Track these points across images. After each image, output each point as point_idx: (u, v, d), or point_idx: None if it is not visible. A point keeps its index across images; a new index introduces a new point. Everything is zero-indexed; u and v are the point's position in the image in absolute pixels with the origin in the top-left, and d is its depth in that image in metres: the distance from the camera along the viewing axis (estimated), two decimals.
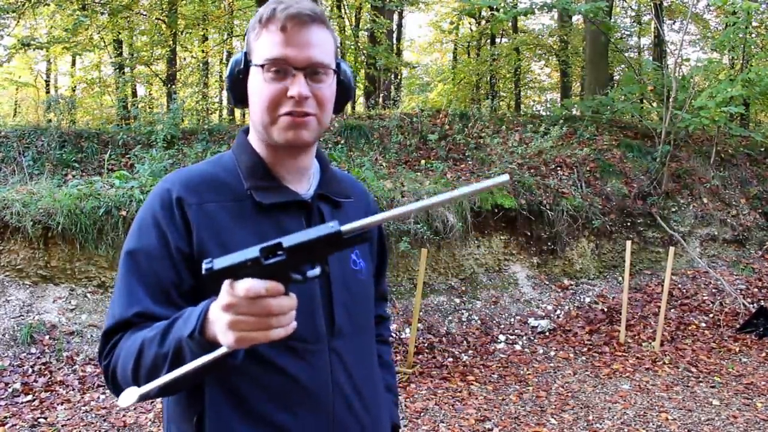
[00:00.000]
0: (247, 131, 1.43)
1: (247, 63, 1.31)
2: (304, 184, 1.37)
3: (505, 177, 1.01)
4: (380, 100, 11.68)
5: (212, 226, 1.26)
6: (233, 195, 1.30)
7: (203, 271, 0.97)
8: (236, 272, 0.96)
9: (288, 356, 1.24)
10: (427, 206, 1.02)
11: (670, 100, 8.94)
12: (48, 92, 18.12)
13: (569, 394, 5.34)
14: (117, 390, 1.19)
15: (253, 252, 0.96)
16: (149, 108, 13.18)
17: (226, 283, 0.97)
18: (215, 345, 1.02)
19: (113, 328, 1.23)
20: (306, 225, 1.31)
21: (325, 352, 1.29)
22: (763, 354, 6.54)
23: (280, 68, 1.25)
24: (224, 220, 1.27)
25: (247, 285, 0.94)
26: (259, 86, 1.27)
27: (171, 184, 1.31)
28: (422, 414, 4.79)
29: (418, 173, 7.66)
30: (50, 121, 9.86)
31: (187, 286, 1.25)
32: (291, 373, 1.25)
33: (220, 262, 0.97)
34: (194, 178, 1.32)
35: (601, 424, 4.79)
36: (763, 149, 10.32)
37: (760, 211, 9.29)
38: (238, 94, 1.33)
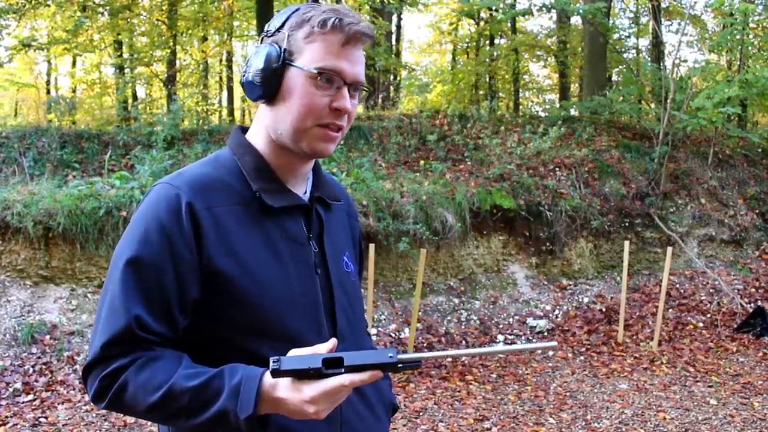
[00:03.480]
0: (243, 129, 1.38)
1: (286, 60, 1.23)
2: (302, 186, 1.36)
3: (553, 343, 1.17)
4: (380, 100, 11.71)
5: (220, 231, 1.21)
6: (239, 198, 1.25)
7: (270, 369, 1.07)
8: (299, 375, 1.08)
9: None
10: (482, 353, 1.21)
11: (668, 100, 8.97)
12: (48, 93, 18.15)
13: (567, 394, 5.37)
14: (115, 405, 1.16)
15: (316, 361, 1.07)
16: (149, 109, 13.22)
17: (311, 385, 1.08)
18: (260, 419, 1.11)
19: (115, 339, 1.15)
20: (305, 227, 1.31)
21: None
22: (760, 354, 6.57)
23: (333, 80, 1.22)
24: (231, 225, 1.22)
25: (336, 386, 1.07)
26: (305, 91, 1.22)
27: (179, 187, 1.22)
28: (421, 413, 4.82)
29: (418, 174, 7.70)
30: (51, 121, 9.89)
31: (190, 300, 1.20)
32: None
33: (288, 364, 1.07)
34: (200, 180, 1.25)
35: (599, 423, 4.82)
36: (760, 150, 10.36)
37: (757, 211, 9.33)
38: (269, 89, 1.24)
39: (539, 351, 6.25)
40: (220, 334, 1.21)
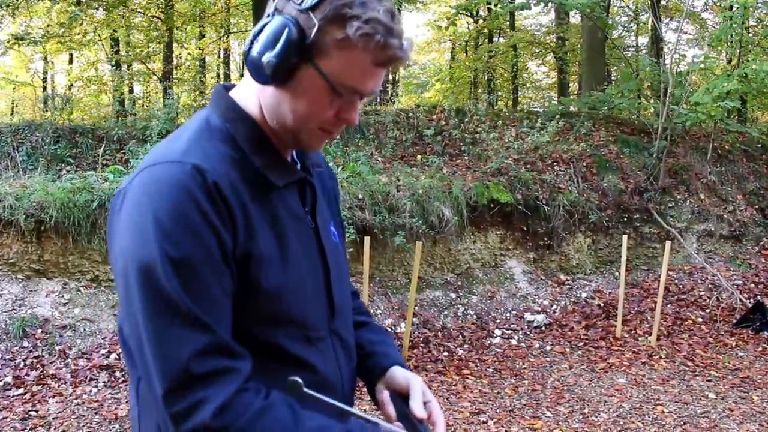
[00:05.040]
0: (228, 88, 1.22)
1: (308, 57, 1.06)
2: (288, 155, 1.26)
3: None
4: (378, 96, 11.65)
5: (245, 214, 1.08)
6: (243, 174, 1.11)
7: None
8: None
9: (305, 347, 1.17)
10: None
11: (667, 95, 8.92)
12: (45, 91, 18.08)
13: (565, 388, 5.31)
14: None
15: None
16: (145, 105, 13.17)
17: None
18: None
19: (196, 366, 0.99)
20: (300, 201, 1.23)
21: (328, 335, 1.24)
22: (760, 348, 6.52)
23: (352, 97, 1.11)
24: (249, 206, 1.09)
25: None
26: (318, 98, 1.09)
27: (197, 165, 1.04)
28: None
29: (414, 168, 7.64)
30: (46, 117, 9.84)
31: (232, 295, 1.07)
32: (311, 363, 1.18)
33: None
34: (211, 155, 1.08)
35: (596, 417, 4.76)
36: (759, 145, 10.31)
37: (756, 207, 9.28)
38: (278, 79, 1.08)
39: (536, 345, 6.21)
40: (238, 326, 1.08)
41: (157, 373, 0.99)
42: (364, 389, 1.43)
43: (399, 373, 1.35)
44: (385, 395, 1.34)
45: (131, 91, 14.45)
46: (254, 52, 1.08)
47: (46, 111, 11.81)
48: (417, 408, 1.25)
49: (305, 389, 1.08)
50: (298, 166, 1.26)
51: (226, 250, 1.03)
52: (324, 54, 1.05)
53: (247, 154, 1.13)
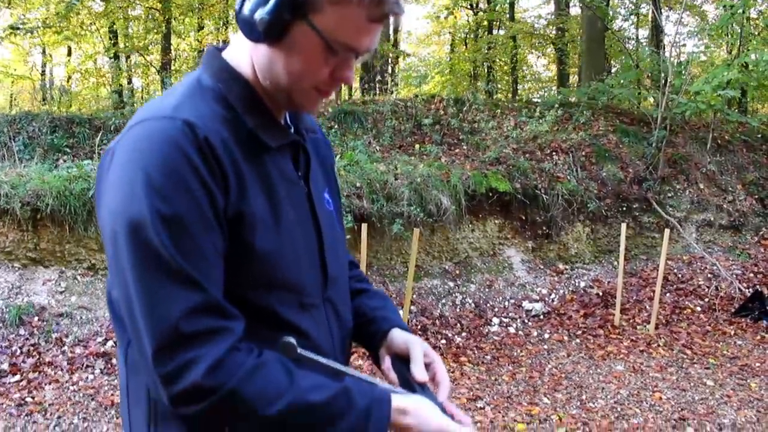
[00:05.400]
0: (220, 49, 1.18)
1: (302, 14, 1.03)
2: (282, 119, 1.23)
3: None
4: (376, 84, 11.63)
5: (237, 172, 1.04)
6: (236, 134, 1.08)
7: None
8: None
9: (298, 313, 1.15)
10: None
11: (667, 85, 8.89)
12: (44, 84, 18.05)
13: (563, 375, 5.30)
14: (196, 401, 0.98)
15: None
16: (144, 96, 13.14)
17: (439, 418, 1.13)
18: None
19: (189, 323, 0.96)
20: (292, 164, 1.19)
21: (321, 303, 1.21)
22: (758, 337, 6.51)
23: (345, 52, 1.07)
24: (241, 166, 1.06)
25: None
26: (313, 56, 1.06)
27: (186, 120, 1.01)
28: None
29: (412, 157, 7.61)
30: (44, 109, 9.82)
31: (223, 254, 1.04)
32: (303, 329, 1.15)
33: None
34: (202, 113, 1.04)
35: (594, 403, 4.75)
36: (759, 136, 10.28)
37: (756, 197, 9.25)
38: (271, 36, 1.04)
39: (534, 333, 6.20)
40: (230, 290, 1.05)
41: (146, 332, 0.96)
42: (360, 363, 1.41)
43: (398, 336, 1.32)
44: (386, 363, 1.31)
45: (130, 83, 14.41)
46: (246, 9, 1.05)
47: (45, 103, 11.79)
48: (417, 371, 1.23)
49: (299, 350, 1.06)
50: (292, 131, 1.23)
51: (217, 207, 1.01)
52: (318, 10, 1.02)
53: (240, 114, 1.10)
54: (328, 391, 1.05)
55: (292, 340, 1.06)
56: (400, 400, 1.12)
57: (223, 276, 1.02)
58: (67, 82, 16.32)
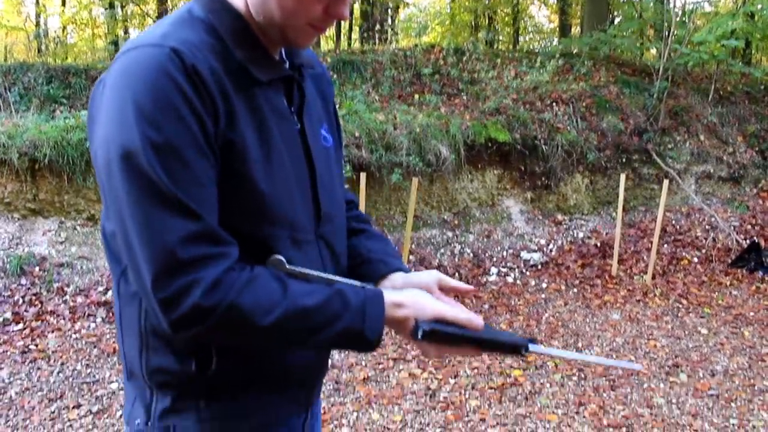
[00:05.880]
0: None
1: None
2: (277, 52, 1.20)
3: (639, 366, 1.32)
4: (375, 34, 11.46)
5: (226, 102, 1.03)
6: (225, 65, 1.06)
7: (420, 336, 1.09)
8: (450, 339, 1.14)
9: (291, 248, 1.13)
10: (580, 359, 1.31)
11: (670, 35, 8.76)
12: (38, 35, 17.76)
13: (559, 323, 5.37)
14: (196, 324, 0.98)
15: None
16: None
17: (434, 305, 1.14)
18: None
19: (189, 246, 0.96)
20: (286, 100, 1.17)
21: (314, 240, 1.20)
22: (753, 287, 6.57)
23: None
24: (231, 97, 1.05)
25: (456, 317, 1.13)
26: None
27: (174, 48, 0.99)
28: None
29: (412, 107, 7.55)
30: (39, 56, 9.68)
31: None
32: (295, 264, 1.14)
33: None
34: (191, 42, 1.02)
35: (590, 350, 4.82)
36: (762, 87, 10.18)
37: (756, 149, 9.22)
38: None
39: (532, 282, 6.25)
40: (222, 222, 1.04)
41: (144, 260, 0.96)
42: None
43: (398, 278, 1.29)
44: None
45: (126, 33, 14.19)
46: None
47: (40, 54, 11.61)
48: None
49: (288, 266, 1.07)
50: (287, 66, 1.21)
51: (208, 134, 0.99)
52: None
53: (230, 47, 1.07)
54: (321, 295, 1.06)
55: (281, 257, 1.07)
56: (395, 295, 1.13)
57: (217, 203, 1.02)
58: (62, 32, 16.06)
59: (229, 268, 1.00)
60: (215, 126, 1.01)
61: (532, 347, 1.14)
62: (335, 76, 8.26)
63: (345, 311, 1.06)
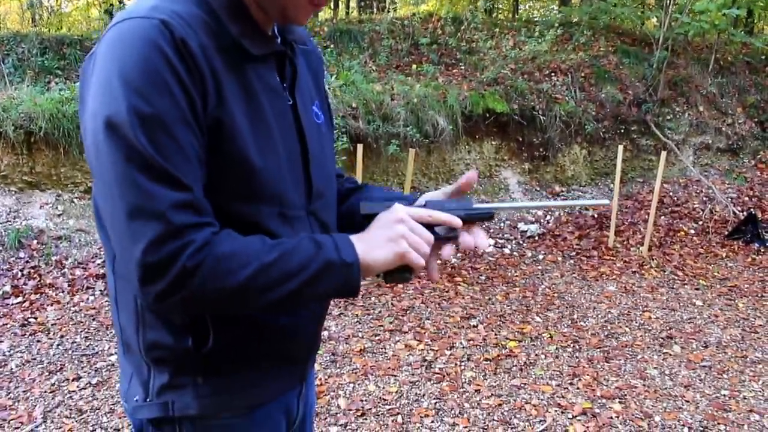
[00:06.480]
0: None
1: None
2: (269, 28, 1.18)
3: (606, 201, 1.33)
4: (372, 2, 11.31)
5: (215, 78, 1.03)
6: (216, 41, 1.05)
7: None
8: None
9: (281, 224, 1.13)
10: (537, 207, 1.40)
11: (671, 4, 8.66)
12: (32, 4, 17.51)
13: (555, 295, 5.40)
14: (182, 287, 0.98)
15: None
16: None
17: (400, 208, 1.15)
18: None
19: (178, 212, 0.96)
20: (278, 76, 1.17)
21: (305, 216, 1.20)
22: (749, 259, 6.60)
23: None
24: (221, 73, 1.04)
25: (421, 215, 1.15)
26: None
27: (164, 20, 0.98)
28: (408, 312, 4.85)
29: (409, 77, 7.49)
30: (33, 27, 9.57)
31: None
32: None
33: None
34: (180, 15, 1.01)
35: (585, 322, 4.86)
36: (763, 57, 10.10)
37: (756, 120, 9.18)
38: None
39: (528, 254, 6.27)
40: (210, 200, 1.04)
41: (133, 230, 0.96)
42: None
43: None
44: None
45: (120, 2, 14.00)
46: None
47: (34, 25, 11.46)
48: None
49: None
50: (279, 41, 1.20)
51: (196, 110, 0.99)
52: None
53: (222, 20, 1.06)
54: (295, 240, 1.07)
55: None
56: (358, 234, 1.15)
57: (201, 180, 1.02)
58: (56, 1, 15.84)
59: (214, 233, 1.01)
60: (204, 103, 1.00)
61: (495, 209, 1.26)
62: (332, 45, 8.19)
63: (319, 249, 1.07)
